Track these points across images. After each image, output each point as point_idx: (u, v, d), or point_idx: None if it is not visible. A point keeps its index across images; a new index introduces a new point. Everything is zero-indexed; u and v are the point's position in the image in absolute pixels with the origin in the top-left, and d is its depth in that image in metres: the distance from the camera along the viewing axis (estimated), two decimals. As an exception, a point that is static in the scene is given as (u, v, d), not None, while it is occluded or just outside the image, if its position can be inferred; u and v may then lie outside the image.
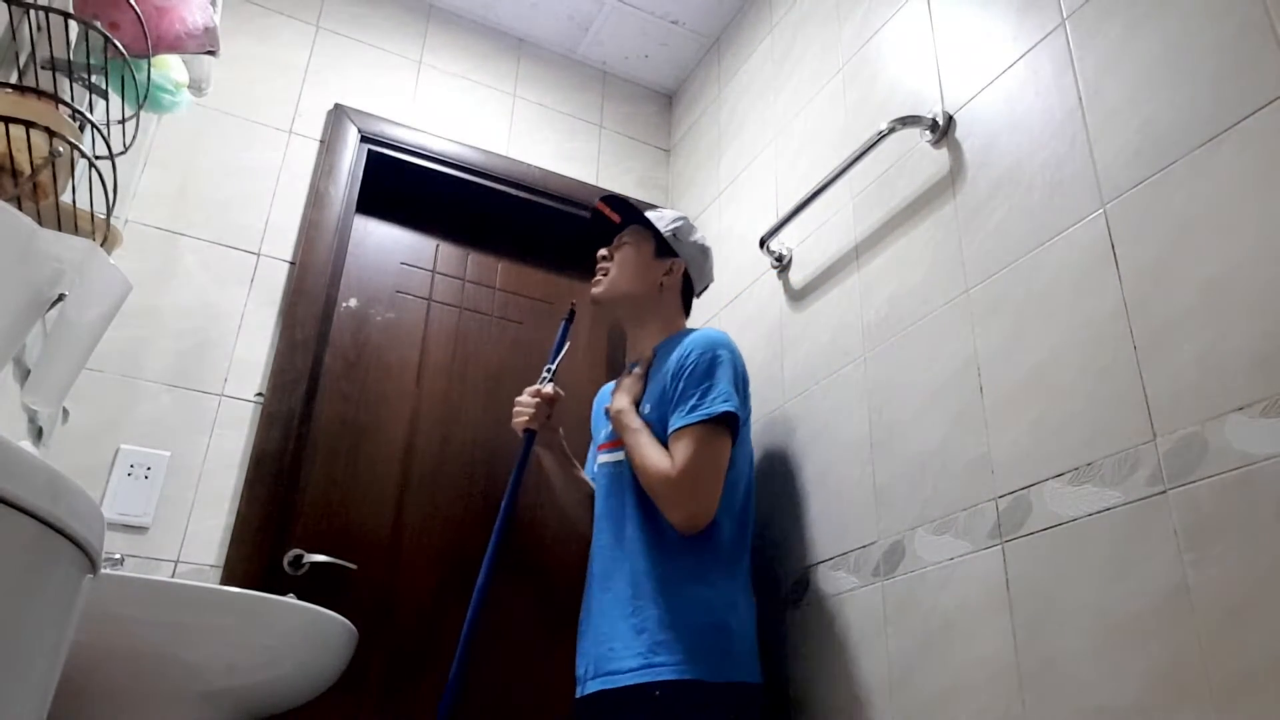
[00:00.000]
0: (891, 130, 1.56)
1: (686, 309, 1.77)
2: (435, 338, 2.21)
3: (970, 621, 1.23)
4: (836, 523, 1.54)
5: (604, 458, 1.64)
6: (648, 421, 1.53)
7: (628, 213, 1.75)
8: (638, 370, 1.63)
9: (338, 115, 2.19)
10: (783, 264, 1.91)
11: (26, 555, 0.55)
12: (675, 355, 1.55)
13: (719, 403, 1.45)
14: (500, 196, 2.36)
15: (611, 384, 1.79)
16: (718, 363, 1.51)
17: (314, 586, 1.81)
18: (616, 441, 1.59)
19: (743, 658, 1.41)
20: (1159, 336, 1.07)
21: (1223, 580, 0.94)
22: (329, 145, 2.14)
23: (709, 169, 2.40)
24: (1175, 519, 0.99)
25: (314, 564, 1.83)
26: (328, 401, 2.00)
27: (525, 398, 1.74)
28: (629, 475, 1.54)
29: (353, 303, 2.14)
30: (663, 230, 1.71)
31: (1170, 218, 1.09)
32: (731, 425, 1.47)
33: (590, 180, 2.50)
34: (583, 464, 1.86)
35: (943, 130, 1.51)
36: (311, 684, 1.30)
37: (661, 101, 2.76)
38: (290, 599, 1.28)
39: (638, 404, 1.57)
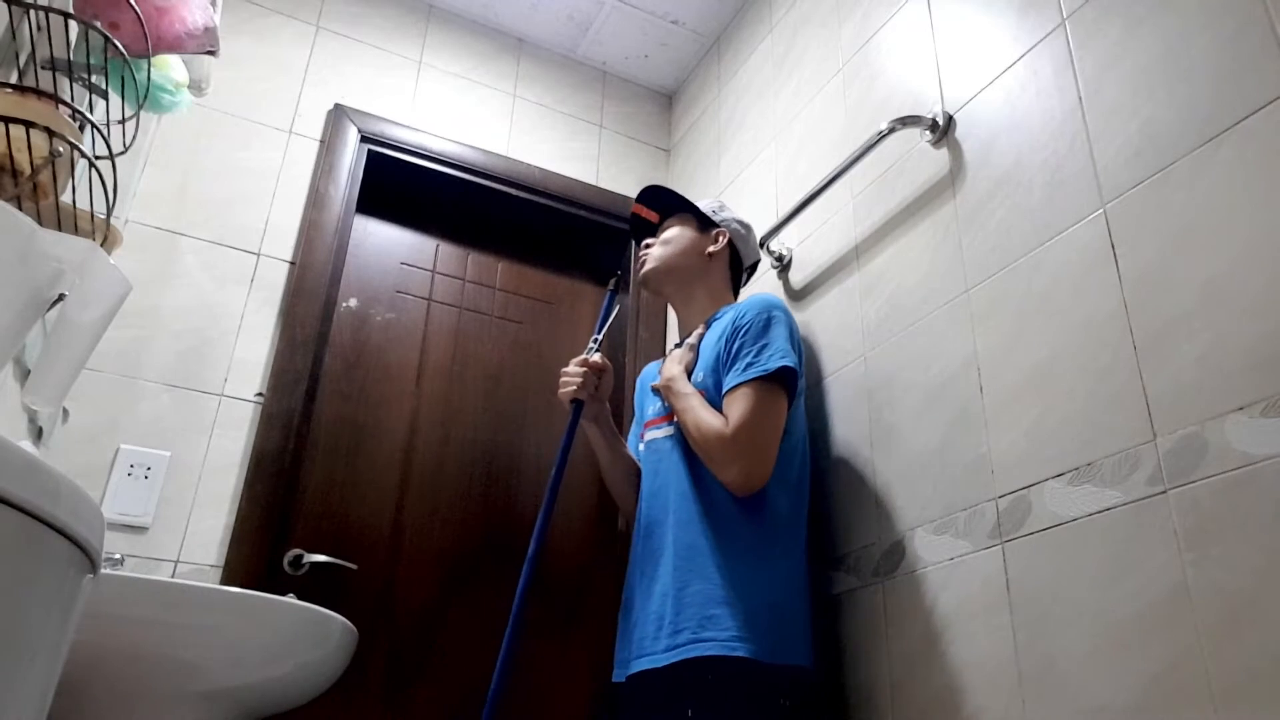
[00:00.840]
0: (891, 130, 1.56)
1: (735, 288, 1.74)
2: (435, 338, 2.21)
3: (970, 621, 1.23)
4: (836, 523, 1.54)
5: (651, 434, 1.59)
6: (701, 389, 1.48)
7: (664, 203, 1.76)
8: (690, 341, 1.60)
9: (338, 115, 2.19)
10: (783, 264, 1.91)
11: (26, 555, 0.55)
12: (729, 318, 1.52)
13: (776, 359, 1.41)
14: (500, 196, 2.36)
15: (655, 364, 1.76)
16: (774, 321, 1.48)
17: (314, 586, 1.81)
18: (665, 417, 1.55)
19: (797, 639, 1.35)
20: (1159, 336, 1.07)
21: (1223, 580, 0.94)
22: (329, 145, 2.14)
23: (709, 169, 2.40)
24: (1175, 519, 0.99)
25: (314, 564, 1.83)
26: (328, 401, 2.00)
27: (572, 367, 1.68)
28: (678, 450, 1.49)
29: (353, 303, 2.14)
30: (702, 207, 1.72)
31: (1170, 218, 1.09)
32: (789, 383, 1.43)
33: (590, 180, 2.50)
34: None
35: (943, 130, 1.51)
36: (311, 684, 1.30)
37: (661, 101, 2.76)
38: (290, 599, 1.28)
39: (689, 374, 1.53)
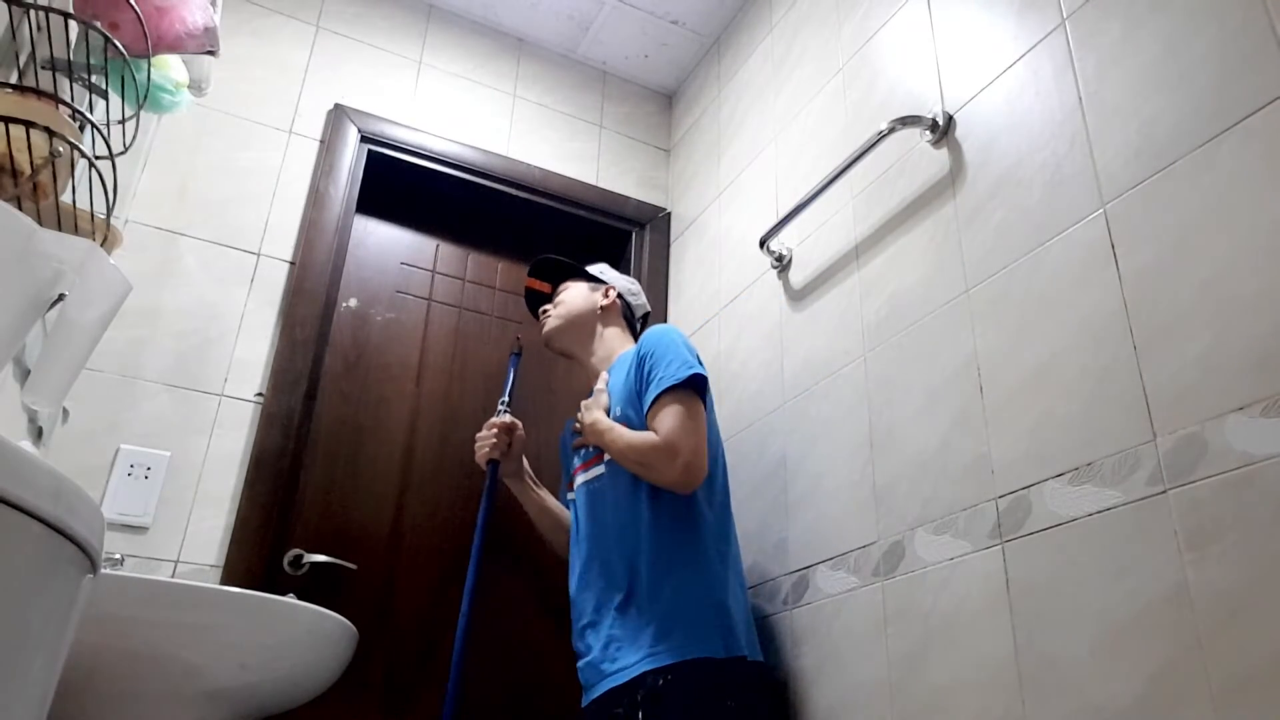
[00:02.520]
0: (891, 130, 1.56)
1: (634, 336, 1.85)
2: (435, 338, 2.21)
3: (970, 621, 1.23)
4: (836, 522, 1.54)
5: (583, 477, 1.68)
6: (623, 421, 1.59)
7: (554, 275, 1.92)
8: (599, 387, 1.70)
9: (338, 115, 2.19)
10: (783, 264, 1.91)
11: (27, 555, 0.55)
12: (631, 357, 1.64)
13: (685, 369, 1.53)
14: (500, 196, 2.36)
15: (570, 421, 1.85)
16: (672, 342, 1.59)
17: (314, 586, 1.81)
18: (594, 459, 1.64)
19: (744, 635, 1.45)
20: (1159, 336, 1.07)
21: (1223, 580, 0.94)
22: (329, 145, 2.14)
23: (709, 169, 2.40)
24: (1175, 519, 0.99)
25: (314, 564, 1.83)
26: (328, 401, 2.00)
27: (484, 431, 1.83)
28: (617, 483, 1.58)
29: (353, 303, 2.14)
30: (588, 269, 1.90)
31: (1170, 218, 1.09)
32: (699, 387, 1.54)
33: (590, 180, 2.50)
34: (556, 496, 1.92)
35: (943, 130, 1.51)
36: (311, 684, 1.30)
37: (661, 101, 2.76)
38: (290, 599, 1.28)
39: (606, 413, 1.63)
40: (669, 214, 2.55)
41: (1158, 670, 0.98)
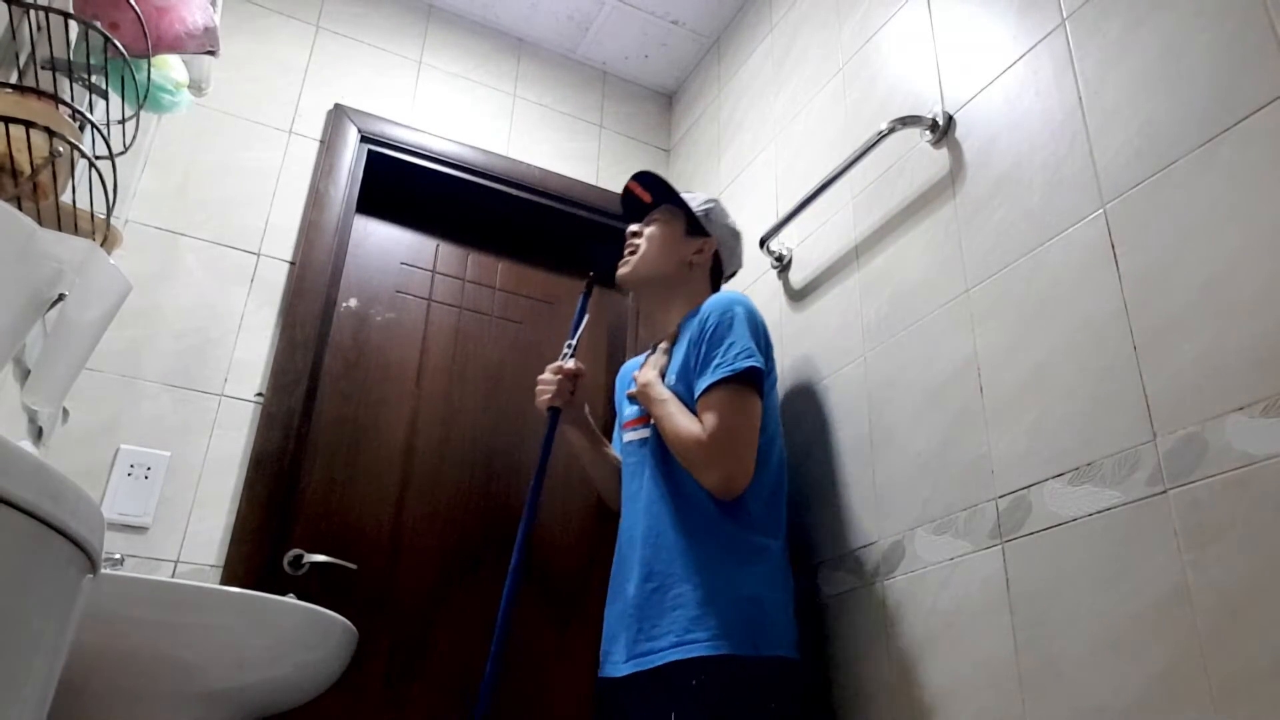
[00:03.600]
0: (891, 130, 1.56)
1: (714, 292, 1.70)
2: (435, 338, 2.21)
3: (970, 621, 1.23)
4: (837, 522, 1.54)
5: (629, 435, 1.61)
6: (675, 393, 1.49)
7: (660, 191, 1.72)
8: (663, 345, 1.61)
9: (338, 115, 2.19)
10: (783, 264, 1.91)
11: (26, 555, 0.55)
12: (695, 323, 1.53)
13: (741, 359, 1.42)
14: (500, 196, 2.36)
15: (632, 361, 1.77)
16: (736, 320, 1.48)
17: (314, 586, 1.81)
18: (640, 419, 1.57)
19: (779, 633, 1.36)
20: (1159, 336, 1.07)
21: (1223, 580, 0.94)
22: (329, 145, 2.14)
23: (709, 169, 2.40)
24: (1175, 519, 0.99)
25: (314, 564, 1.83)
26: (328, 401, 2.00)
27: (547, 375, 1.70)
28: (654, 452, 1.50)
29: (353, 303, 2.14)
30: (695, 209, 1.68)
31: (1170, 218, 1.09)
32: (756, 381, 1.43)
33: (590, 180, 2.50)
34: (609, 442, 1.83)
35: (943, 130, 1.51)
36: (311, 684, 1.30)
37: (661, 101, 2.76)
38: (290, 599, 1.28)
39: (663, 377, 1.54)
40: (669, 214, 2.55)
41: (1158, 670, 0.98)
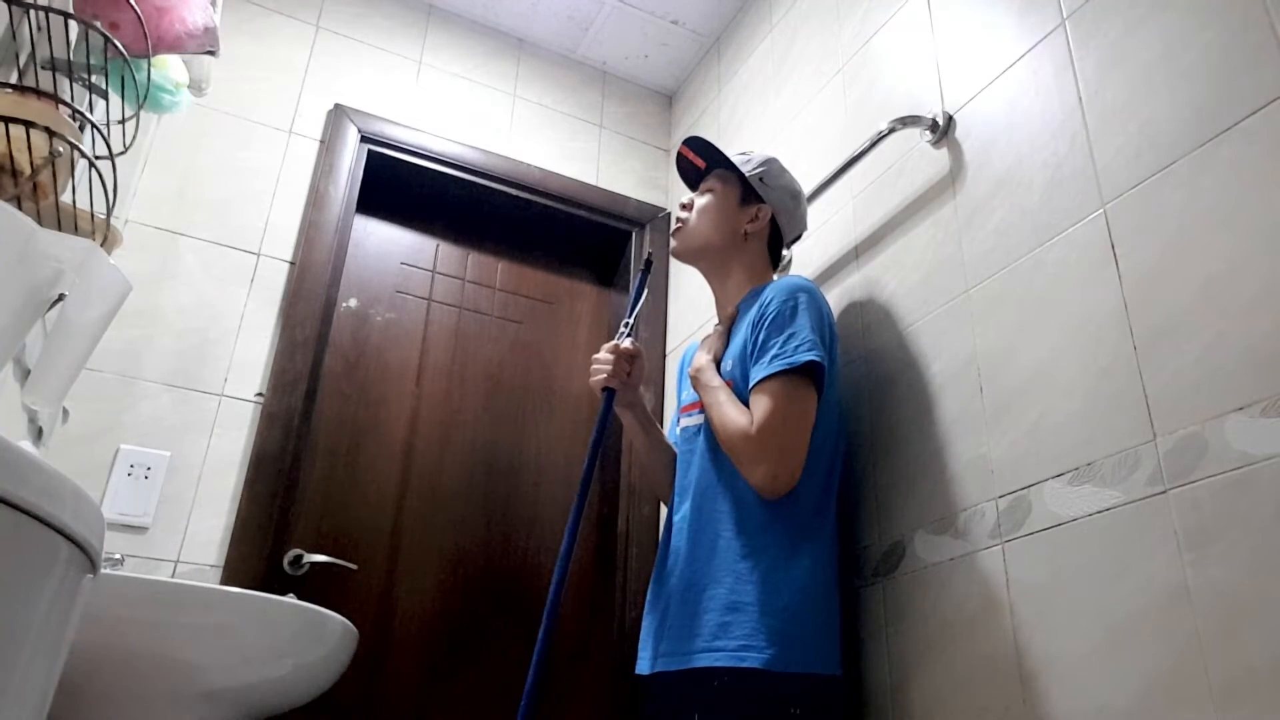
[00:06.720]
0: (891, 130, 1.56)
1: (775, 261, 1.63)
2: (435, 338, 2.21)
3: (970, 621, 1.23)
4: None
5: (685, 421, 1.54)
6: (729, 379, 1.42)
7: (712, 155, 1.64)
8: (719, 327, 1.53)
9: (338, 115, 2.19)
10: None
11: (27, 555, 0.55)
12: (755, 306, 1.44)
13: (801, 351, 1.33)
14: (500, 196, 2.36)
15: (696, 343, 1.69)
16: (800, 308, 1.39)
17: (314, 586, 1.81)
18: (696, 404, 1.49)
19: (816, 646, 1.27)
20: (1159, 336, 1.07)
21: (1223, 580, 0.94)
22: (329, 145, 2.14)
23: (709, 169, 2.40)
24: (1175, 519, 0.99)
25: (314, 564, 1.83)
26: (328, 401, 2.00)
27: (603, 354, 1.60)
28: (705, 442, 1.44)
29: (353, 303, 2.14)
30: (748, 173, 1.58)
31: (1170, 218, 1.09)
32: (816, 376, 1.35)
33: (590, 180, 2.50)
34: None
35: (943, 130, 1.51)
36: (311, 684, 1.30)
37: (661, 101, 2.76)
38: (290, 599, 1.28)
39: (719, 361, 1.47)
40: (669, 214, 2.55)
41: (1158, 670, 0.98)
